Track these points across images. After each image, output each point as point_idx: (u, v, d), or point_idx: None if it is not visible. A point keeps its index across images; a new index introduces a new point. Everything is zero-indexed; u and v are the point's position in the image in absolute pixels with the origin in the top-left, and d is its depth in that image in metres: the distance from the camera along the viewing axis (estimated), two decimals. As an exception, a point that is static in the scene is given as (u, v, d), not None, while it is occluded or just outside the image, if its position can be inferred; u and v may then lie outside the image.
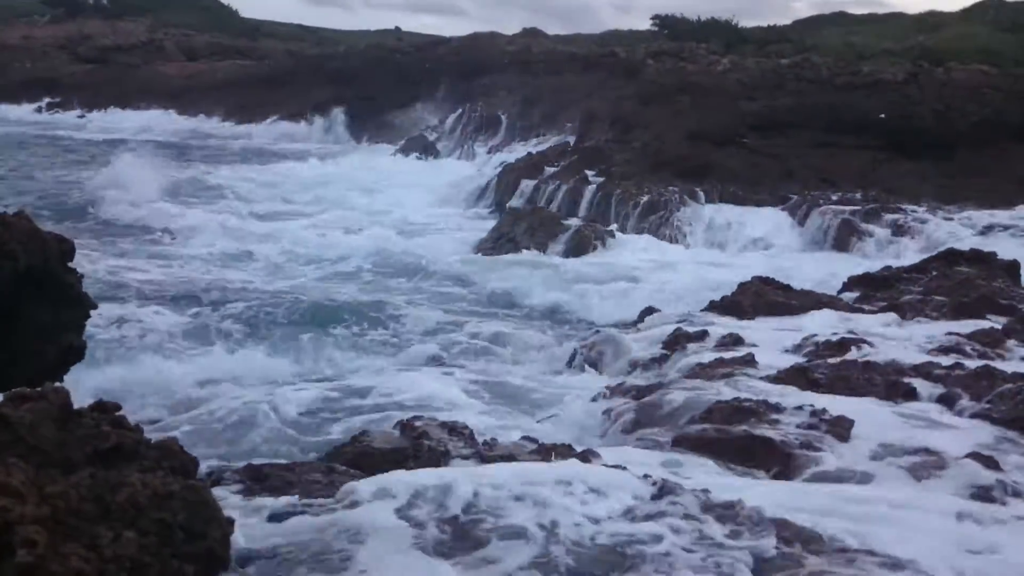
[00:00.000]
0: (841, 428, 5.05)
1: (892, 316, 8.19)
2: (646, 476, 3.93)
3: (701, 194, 17.57)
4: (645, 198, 17.16)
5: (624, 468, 4.08)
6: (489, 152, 26.06)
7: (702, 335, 7.51)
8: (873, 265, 11.62)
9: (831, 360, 6.59)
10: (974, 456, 4.72)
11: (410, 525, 3.20)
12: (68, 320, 4.75)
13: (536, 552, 3.15)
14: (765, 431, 4.92)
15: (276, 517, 3.28)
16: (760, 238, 16.06)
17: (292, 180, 24.12)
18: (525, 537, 3.24)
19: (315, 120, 36.61)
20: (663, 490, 3.75)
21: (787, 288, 9.18)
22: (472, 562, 3.09)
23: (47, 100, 42.77)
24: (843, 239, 15.53)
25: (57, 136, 34.18)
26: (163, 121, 39.43)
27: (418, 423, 4.49)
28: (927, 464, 4.70)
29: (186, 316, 10.68)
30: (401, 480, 3.44)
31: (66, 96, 42.95)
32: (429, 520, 3.25)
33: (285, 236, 16.34)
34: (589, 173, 18.86)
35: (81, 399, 2.82)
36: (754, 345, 7.19)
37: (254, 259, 14.72)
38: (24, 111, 41.76)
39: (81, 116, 40.89)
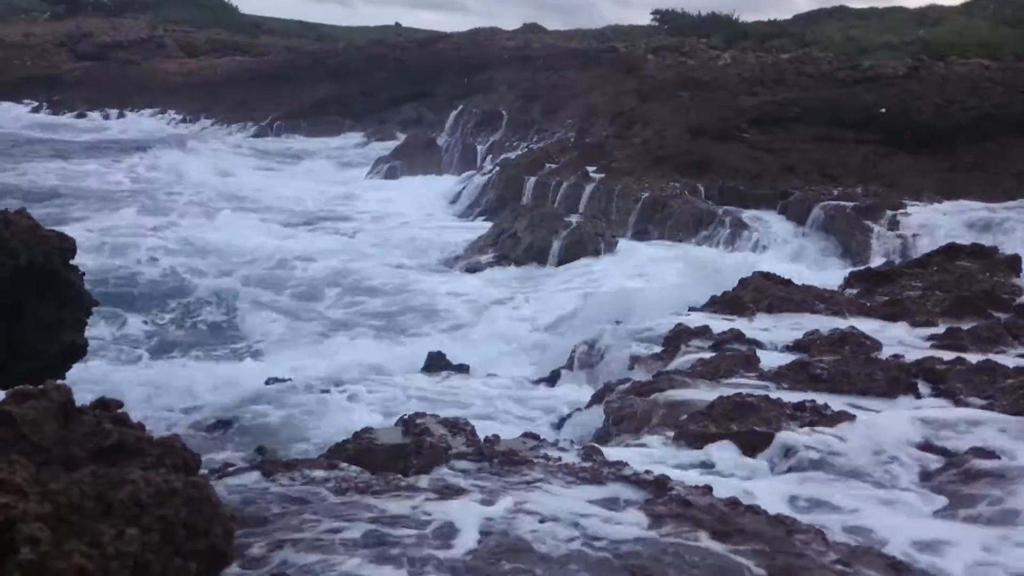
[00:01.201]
0: (842, 423, 5.05)
1: (893, 311, 8.18)
2: (647, 472, 3.93)
3: (701, 189, 17.58)
4: (646, 194, 17.17)
5: (625, 464, 4.08)
6: (490, 149, 26.04)
7: (703, 331, 7.50)
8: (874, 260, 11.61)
9: (832, 356, 6.59)
10: (976, 451, 4.73)
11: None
12: (69, 318, 4.77)
13: (535, 550, 3.15)
14: (766, 427, 4.92)
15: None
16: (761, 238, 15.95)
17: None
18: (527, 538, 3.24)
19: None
20: (664, 487, 3.75)
21: (788, 283, 9.18)
22: (470, 561, 3.09)
23: (46, 99, 42.43)
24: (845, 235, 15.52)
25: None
26: (152, 122, 39.09)
27: (419, 420, 4.49)
28: (928, 459, 4.71)
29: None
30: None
31: (66, 94, 42.82)
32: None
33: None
34: (590, 169, 18.87)
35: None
36: (755, 340, 7.18)
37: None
38: (20, 110, 41.22)
39: (80, 116, 40.55)
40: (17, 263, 4.38)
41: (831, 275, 11.29)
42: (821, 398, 5.40)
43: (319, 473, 3.71)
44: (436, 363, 9.11)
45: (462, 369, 8.98)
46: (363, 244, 16.88)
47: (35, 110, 41.68)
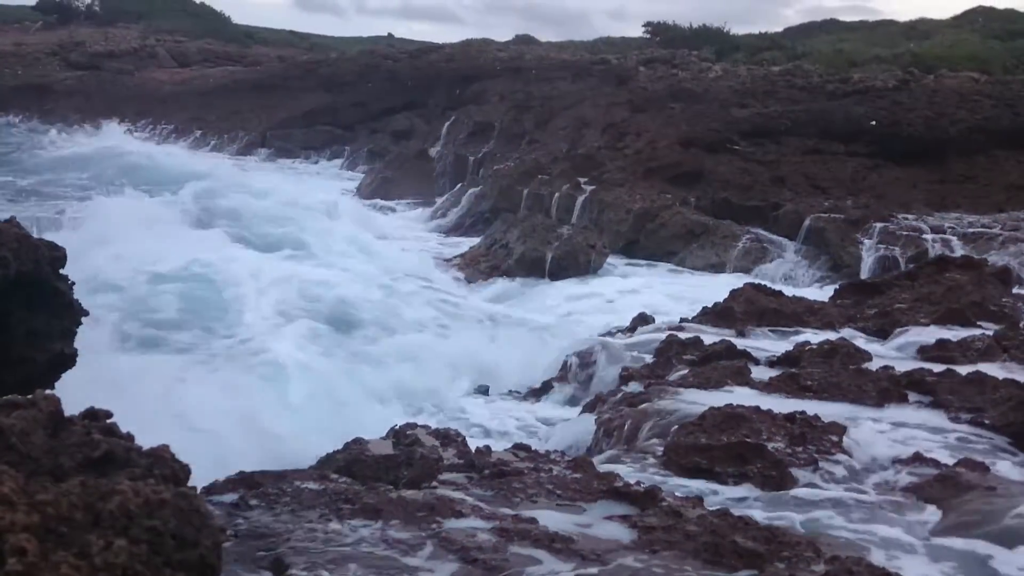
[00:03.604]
0: (833, 435, 5.05)
1: (883, 323, 8.21)
2: (638, 484, 3.93)
3: (692, 201, 17.61)
4: (637, 205, 17.19)
5: (616, 476, 4.08)
6: (482, 160, 26.02)
7: (694, 343, 7.51)
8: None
9: (822, 367, 6.60)
10: (965, 462, 4.74)
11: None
12: (59, 327, 4.74)
13: (525, 563, 3.15)
14: (757, 438, 4.92)
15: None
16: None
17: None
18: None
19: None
20: (655, 498, 3.75)
21: (779, 294, 9.20)
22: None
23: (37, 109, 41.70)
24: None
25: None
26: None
27: (410, 431, 4.48)
28: (919, 471, 4.71)
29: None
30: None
31: (57, 103, 42.54)
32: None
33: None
34: (581, 180, 18.89)
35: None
36: (746, 352, 7.19)
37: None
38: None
39: (59, 131, 39.07)
40: (7, 272, 4.36)
41: (821, 287, 11.31)
42: (812, 409, 5.40)
43: (309, 484, 3.70)
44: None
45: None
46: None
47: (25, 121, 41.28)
